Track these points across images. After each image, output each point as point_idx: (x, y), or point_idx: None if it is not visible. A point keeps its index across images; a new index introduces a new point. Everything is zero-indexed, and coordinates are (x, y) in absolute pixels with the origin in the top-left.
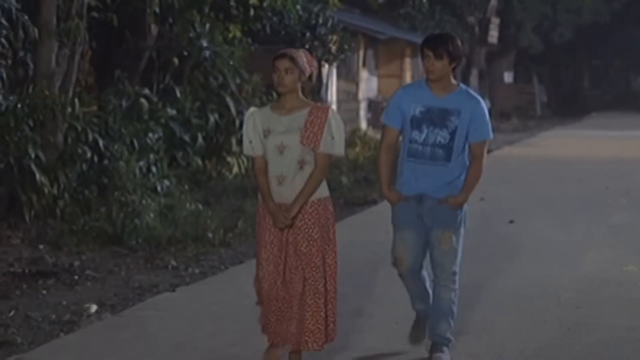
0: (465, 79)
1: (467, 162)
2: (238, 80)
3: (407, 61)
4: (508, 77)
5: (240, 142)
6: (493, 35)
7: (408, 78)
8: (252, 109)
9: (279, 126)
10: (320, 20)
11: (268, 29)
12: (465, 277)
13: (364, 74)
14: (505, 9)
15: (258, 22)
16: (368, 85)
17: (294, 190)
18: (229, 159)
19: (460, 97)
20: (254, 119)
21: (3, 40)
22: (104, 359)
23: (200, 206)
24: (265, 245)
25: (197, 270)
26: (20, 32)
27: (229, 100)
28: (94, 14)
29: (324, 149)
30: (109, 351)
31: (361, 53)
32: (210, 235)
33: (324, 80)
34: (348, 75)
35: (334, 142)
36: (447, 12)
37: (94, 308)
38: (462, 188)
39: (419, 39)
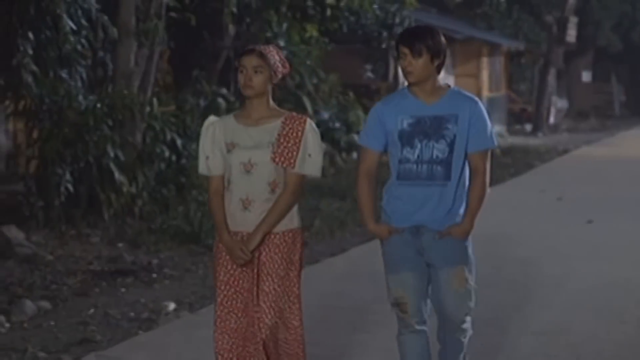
0: (543, 79)
1: (467, 183)
2: (315, 80)
3: (484, 60)
4: (586, 76)
5: None
6: (571, 34)
7: (485, 77)
8: (212, 118)
9: (246, 140)
10: (397, 20)
11: (345, 29)
12: (542, 276)
13: (440, 73)
14: (584, 7)
15: (335, 22)
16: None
17: (262, 217)
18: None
19: (454, 100)
20: (214, 131)
21: (83, 41)
22: (182, 356)
23: None
24: (220, 287)
25: None
26: (100, 33)
27: (305, 99)
28: (173, 14)
29: (299, 168)
30: (186, 349)
31: None
32: None
33: (401, 80)
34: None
35: (311, 161)
36: (525, 11)
37: (171, 306)
38: (465, 213)
39: (496, 39)
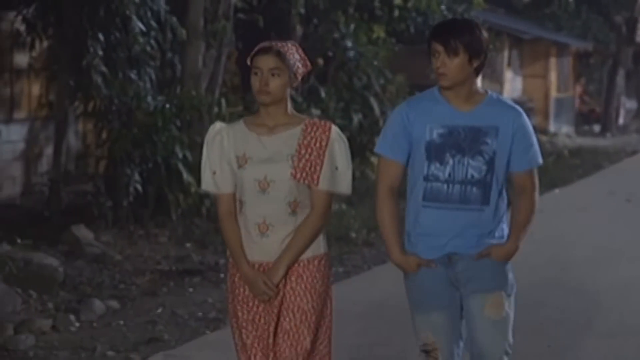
0: (611, 79)
1: (507, 201)
2: (382, 81)
3: (553, 61)
4: None
5: None
6: None
7: (553, 78)
8: (219, 125)
9: (261, 152)
10: None
11: (412, 30)
12: (610, 278)
13: (508, 74)
14: None
15: (402, 23)
16: (513, 85)
17: (283, 243)
18: (372, 159)
19: (494, 109)
20: (223, 140)
21: (152, 42)
22: None
23: (343, 206)
24: (241, 327)
25: (340, 270)
26: (169, 34)
27: (372, 100)
28: (240, 15)
29: (325, 185)
30: None
31: (506, 53)
32: (353, 235)
33: None
34: (493, 76)
35: (339, 175)
36: (594, 11)
37: None
38: (511, 233)
39: (564, 39)
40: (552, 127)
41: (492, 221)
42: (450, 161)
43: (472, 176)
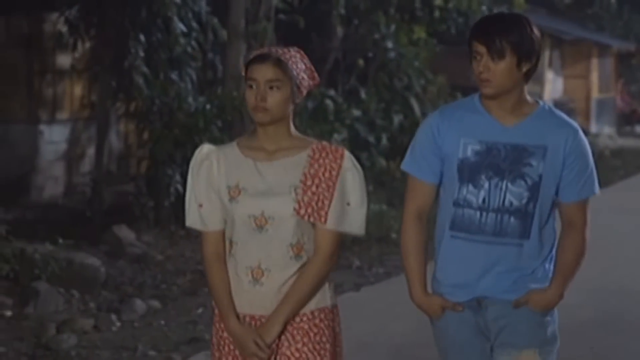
0: None
1: (556, 236)
2: (423, 82)
3: (594, 62)
4: None
5: None
6: None
7: (595, 79)
8: (207, 147)
9: (258, 182)
10: None
11: (453, 30)
12: None
13: (549, 74)
14: None
15: (443, 23)
16: (554, 85)
17: (280, 293)
18: None
19: (544, 124)
20: (211, 166)
21: (193, 43)
22: None
23: (384, 207)
24: None
25: (381, 270)
26: (210, 35)
27: (413, 101)
28: (281, 16)
29: (334, 224)
30: None
31: (547, 53)
32: (394, 235)
33: None
34: (534, 76)
35: (351, 212)
36: (636, 12)
37: None
38: (554, 277)
39: (606, 40)
40: (593, 128)
41: (534, 260)
42: (486, 184)
43: (511, 203)
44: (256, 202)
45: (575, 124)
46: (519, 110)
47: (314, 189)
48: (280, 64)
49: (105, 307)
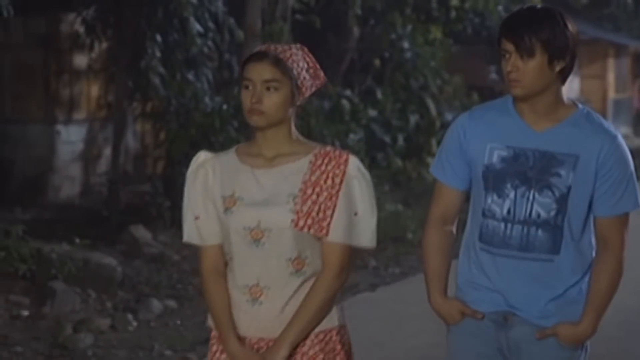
0: None
1: (593, 253)
2: (439, 82)
3: (611, 62)
4: None
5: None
6: None
7: (611, 79)
8: (204, 154)
9: (255, 191)
10: None
11: (469, 30)
12: None
13: None
14: None
15: (459, 24)
16: (570, 85)
17: (282, 314)
18: (428, 160)
19: (579, 131)
20: (207, 175)
21: (210, 43)
22: None
23: (400, 207)
24: None
25: (397, 271)
26: (226, 35)
27: (429, 101)
28: (298, 16)
29: (339, 237)
30: None
31: None
32: (410, 236)
33: None
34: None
35: (359, 223)
36: None
37: None
38: (585, 309)
39: (623, 40)
40: None
41: (567, 278)
42: (512, 194)
43: (539, 215)
44: (252, 213)
45: (613, 131)
46: (553, 114)
47: (314, 198)
48: (278, 62)
49: (121, 306)
